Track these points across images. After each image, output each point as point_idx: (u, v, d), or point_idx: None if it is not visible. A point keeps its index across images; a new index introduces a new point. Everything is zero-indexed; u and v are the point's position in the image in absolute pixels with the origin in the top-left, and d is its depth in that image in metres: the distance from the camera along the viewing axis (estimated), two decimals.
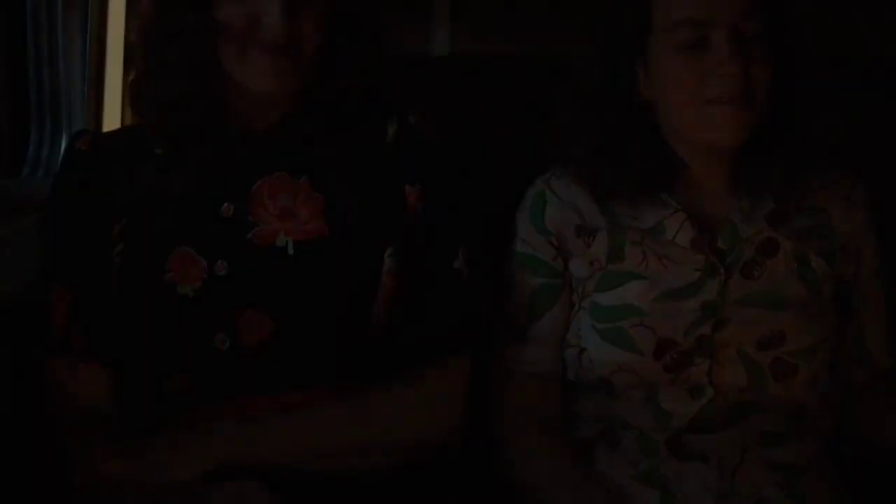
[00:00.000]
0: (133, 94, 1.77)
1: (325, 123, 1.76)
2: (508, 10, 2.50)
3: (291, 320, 1.70)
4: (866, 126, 2.01)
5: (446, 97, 2.12)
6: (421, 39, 2.53)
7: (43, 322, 1.75)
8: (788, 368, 1.73)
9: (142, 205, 1.75)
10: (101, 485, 1.63)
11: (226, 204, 1.73)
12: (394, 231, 1.74)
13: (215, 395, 1.70)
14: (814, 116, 1.78)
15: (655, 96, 1.76)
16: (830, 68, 1.82)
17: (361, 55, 1.74)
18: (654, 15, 1.74)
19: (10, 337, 1.77)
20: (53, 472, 1.71)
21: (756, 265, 1.76)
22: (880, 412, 1.84)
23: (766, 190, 1.79)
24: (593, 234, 1.79)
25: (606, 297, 1.76)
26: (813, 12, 1.87)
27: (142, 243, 1.74)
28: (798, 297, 1.76)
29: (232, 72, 1.70)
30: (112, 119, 2.12)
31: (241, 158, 1.74)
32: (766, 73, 1.71)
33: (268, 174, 1.74)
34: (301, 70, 1.70)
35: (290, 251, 1.71)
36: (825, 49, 1.87)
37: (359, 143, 1.76)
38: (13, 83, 2.16)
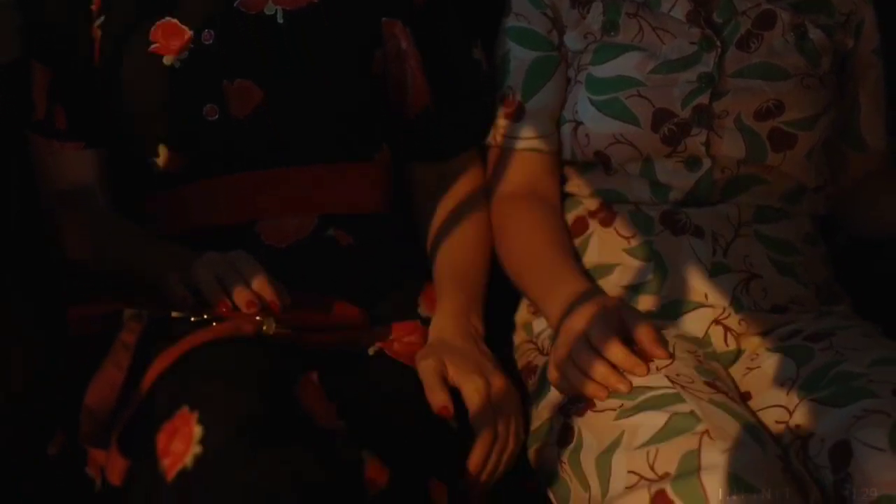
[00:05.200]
0: None
1: None
2: None
3: (281, 91, 1.68)
4: None
5: None
6: None
7: (24, 101, 1.72)
8: (787, 138, 1.72)
9: None
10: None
11: None
12: (393, 7, 1.73)
13: (204, 171, 1.69)
14: None
15: None
16: None
17: None
18: None
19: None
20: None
21: (753, 37, 1.74)
22: (875, 194, 1.84)
23: None
24: (588, 5, 1.76)
25: (602, 69, 1.73)
26: None
27: (123, 15, 1.70)
28: (796, 68, 1.74)
29: None
30: None
31: None
32: None
33: None
34: None
35: (280, 20, 1.69)
36: None
37: None
38: None
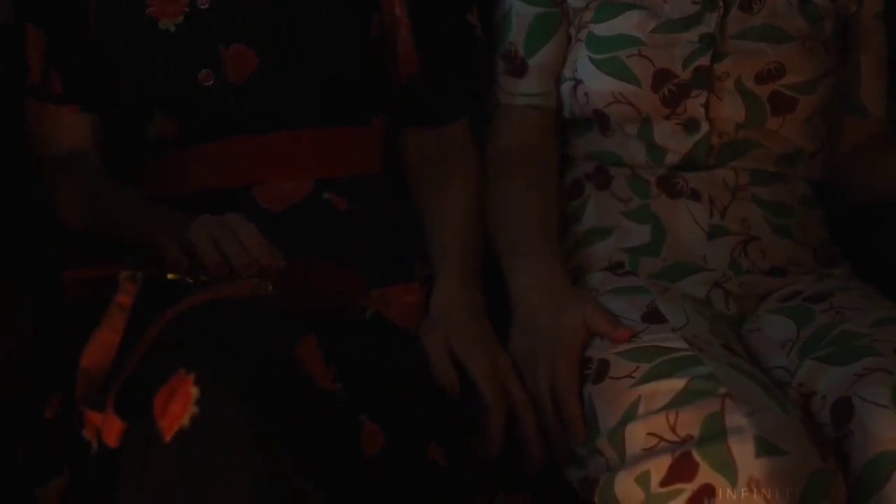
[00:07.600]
0: None
1: None
2: None
3: (278, 55, 1.67)
4: None
5: None
6: None
7: (20, 64, 1.72)
8: (787, 102, 1.71)
9: None
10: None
11: None
12: None
13: (200, 136, 1.68)
14: None
15: None
16: None
17: None
18: None
19: None
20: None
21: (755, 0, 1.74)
22: (874, 161, 1.83)
23: None
24: None
25: (604, 28, 1.73)
26: None
27: None
28: (798, 32, 1.74)
29: None
30: None
31: None
32: None
33: None
34: None
35: None
36: None
37: None
38: None
